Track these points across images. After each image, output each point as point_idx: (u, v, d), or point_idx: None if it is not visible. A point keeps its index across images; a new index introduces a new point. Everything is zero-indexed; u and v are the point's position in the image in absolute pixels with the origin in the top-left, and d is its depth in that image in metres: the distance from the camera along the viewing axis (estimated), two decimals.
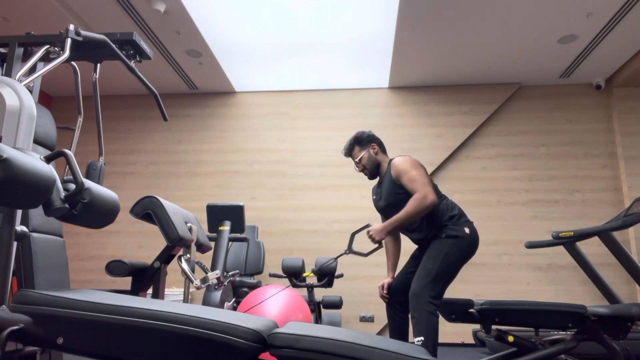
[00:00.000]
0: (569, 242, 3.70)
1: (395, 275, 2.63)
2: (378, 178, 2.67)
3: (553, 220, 4.71)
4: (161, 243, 4.97)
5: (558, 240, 3.69)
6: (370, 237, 2.34)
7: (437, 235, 2.37)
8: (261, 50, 4.44)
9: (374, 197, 2.67)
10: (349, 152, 2.66)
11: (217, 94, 5.34)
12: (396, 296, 2.52)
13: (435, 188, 2.47)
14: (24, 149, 1.23)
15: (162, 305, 1.33)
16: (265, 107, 5.26)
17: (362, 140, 2.62)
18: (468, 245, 2.36)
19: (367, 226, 2.39)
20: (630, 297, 4.47)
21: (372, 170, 2.62)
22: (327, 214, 4.90)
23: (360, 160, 2.61)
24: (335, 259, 2.45)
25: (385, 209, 2.53)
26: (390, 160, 2.55)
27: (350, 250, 2.41)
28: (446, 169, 4.94)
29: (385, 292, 2.58)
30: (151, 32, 4.05)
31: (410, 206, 2.30)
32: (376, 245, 2.37)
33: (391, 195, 2.47)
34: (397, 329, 2.51)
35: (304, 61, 4.64)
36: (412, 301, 2.23)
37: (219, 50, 4.43)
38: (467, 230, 2.37)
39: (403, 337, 2.49)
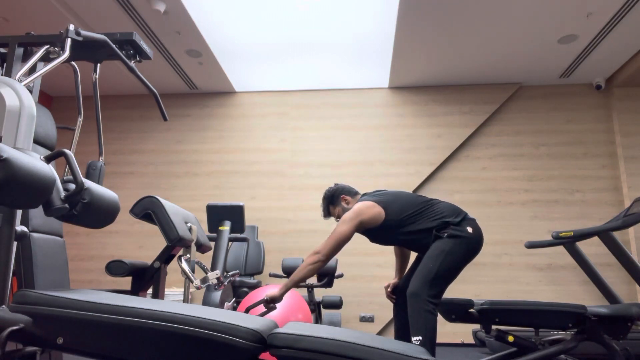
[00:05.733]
0: (569, 242, 3.70)
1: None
2: None
3: (553, 220, 4.71)
4: (161, 243, 4.97)
5: (558, 240, 3.68)
6: (269, 306, 2.39)
7: (439, 236, 2.35)
8: (261, 50, 4.45)
9: None
10: (327, 213, 2.70)
11: (217, 94, 5.34)
12: (403, 297, 2.52)
13: (413, 203, 2.45)
14: (24, 149, 1.23)
15: (162, 305, 1.33)
16: (265, 107, 5.26)
17: (333, 199, 2.65)
18: (471, 245, 2.33)
19: (263, 300, 2.40)
20: (630, 297, 4.47)
21: None
22: None
23: (338, 216, 2.65)
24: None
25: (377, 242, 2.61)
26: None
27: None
28: (446, 169, 4.94)
29: (390, 291, 2.61)
30: (151, 32, 4.05)
31: (302, 263, 2.33)
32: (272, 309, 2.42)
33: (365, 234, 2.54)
34: (403, 329, 2.51)
35: (304, 61, 4.64)
36: (410, 300, 2.23)
37: (219, 50, 4.43)
38: (469, 229, 2.34)
39: (409, 337, 2.49)
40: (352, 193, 2.66)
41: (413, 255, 2.70)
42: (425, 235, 2.37)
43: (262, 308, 2.75)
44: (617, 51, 4.31)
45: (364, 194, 2.61)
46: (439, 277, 2.24)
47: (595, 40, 4.11)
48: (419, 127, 5.02)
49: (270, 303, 2.36)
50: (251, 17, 3.90)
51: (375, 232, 2.44)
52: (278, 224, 4.93)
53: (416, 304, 2.20)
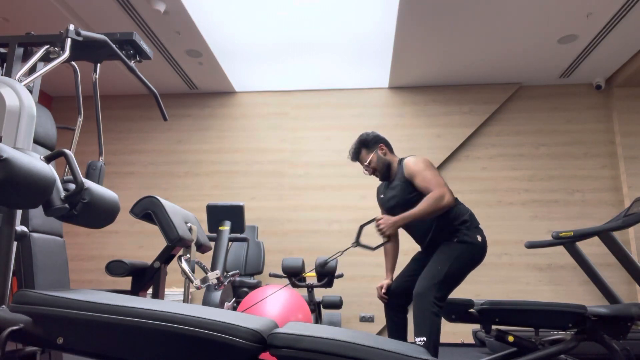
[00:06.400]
0: (569, 242, 3.70)
1: (394, 276, 2.62)
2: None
3: (553, 220, 4.71)
4: (161, 243, 4.96)
5: (558, 240, 3.68)
6: (380, 230, 2.27)
7: (449, 239, 2.35)
8: (261, 50, 4.44)
9: (382, 196, 2.62)
10: (356, 155, 2.56)
11: (217, 94, 5.34)
12: (396, 298, 2.50)
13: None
14: (24, 149, 1.23)
15: (162, 305, 1.33)
16: (265, 107, 5.26)
17: (368, 142, 2.54)
18: (478, 253, 2.35)
19: (375, 219, 2.32)
20: (630, 297, 4.47)
21: (384, 171, 2.54)
22: (327, 214, 4.90)
23: (369, 163, 2.53)
24: (342, 252, 2.40)
25: (394, 209, 2.48)
26: (401, 159, 2.52)
27: (357, 243, 2.31)
28: (446, 169, 4.94)
29: (383, 292, 2.56)
30: (151, 32, 4.05)
31: (425, 204, 2.25)
32: (385, 239, 2.33)
33: (403, 196, 2.43)
34: (396, 331, 2.50)
35: (304, 61, 4.64)
36: (416, 301, 2.22)
37: (219, 50, 4.43)
38: (479, 238, 2.36)
39: (402, 338, 2.48)
40: (391, 148, 2.60)
41: (404, 255, 2.69)
42: (442, 229, 2.37)
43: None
44: (617, 51, 4.31)
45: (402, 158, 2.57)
46: (446, 280, 2.24)
47: (595, 40, 4.11)
48: (419, 127, 5.02)
49: (382, 228, 2.27)
50: (251, 17, 3.90)
51: (409, 197, 2.41)
52: (278, 224, 4.93)
53: (422, 305, 2.19)
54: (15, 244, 1.35)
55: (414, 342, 2.13)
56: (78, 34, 1.74)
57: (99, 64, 2.01)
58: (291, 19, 3.92)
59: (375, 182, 4.91)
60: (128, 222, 5.08)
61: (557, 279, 4.59)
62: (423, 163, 2.39)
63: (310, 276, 3.61)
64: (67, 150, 1.36)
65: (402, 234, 2.66)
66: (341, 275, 3.71)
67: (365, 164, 2.55)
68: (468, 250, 2.32)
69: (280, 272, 4.64)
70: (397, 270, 2.66)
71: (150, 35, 4.10)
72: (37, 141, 1.93)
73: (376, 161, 2.53)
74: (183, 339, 1.19)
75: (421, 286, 2.23)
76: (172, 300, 2.04)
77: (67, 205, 1.36)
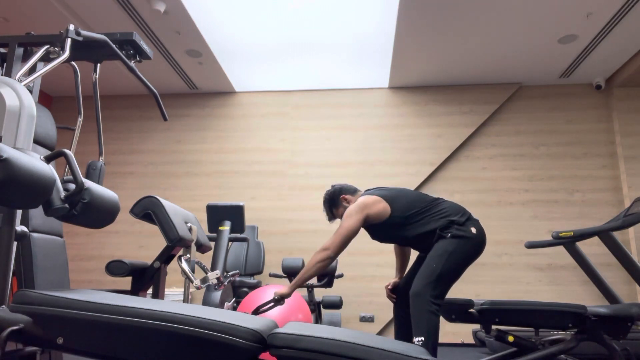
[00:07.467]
0: (569, 242, 3.70)
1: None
2: None
3: (553, 220, 4.71)
4: (161, 243, 4.97)
5: (558, 240, 3.69)
6: (274, 300, 2.36)
7: (442, 236, 2.35)
8: (261, 50, 4.45)
9: None
10: (331, 215, 2.66)
11: (217, 94, 5.34)
12: (403, 296, 2.52)
13: (419, 201, 2.44)
14: (24, 149, 1.23)
15: (162, 305, 1.33)
16: (265, 107, 5.26)
17: (334, 200, 2.61)
18: (474, 246, 2.32)
19: (273, 300, 2.37)
20: (630, 297, 4.47)
21: None
22: None
23: (342, 217, 2.61)
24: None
25: (394, 242, 2.56)
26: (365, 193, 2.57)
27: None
28: (446, 169, 4.94)
29: (390, 290, 2.60)
30: (151, 32, 4.05)
31: (310, 261, 2.32)
32: (278, 302, 2.39)
33: (390, 233, 2.48)
34: (403, 329, 2.51)
35: (304, 61, 4.64)
36: (412, 301, 2.22)
37: (219, 50, 4.43)
38: (473, 230, 2.33)
39: (409, 337, 2.48)
40: (352, 191, 2.62)
41: (413, 255, 2.70)
42: (430, 234, 2.37)
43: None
44: (617, 51, 4.31)
45: (366, 190, 2.59)
46: (442, 277, 2.23)
47: (595, 40, 4.11)
48: (419, 127, 5.02)
49: (280, 301, 2.36)
50: (251, 17, 3.90)
51: (379, 228, 2.42)
52: (278, 224, 4.93)
53: (419, 305, 2.19)
54: (15, 244, 1.35)
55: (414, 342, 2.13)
56: (78, 34, 1.74)
57: (99, 64, 2.01)
58: (291, 19, 3.92)
59: (375, 180, 4.91)
60: (128, 222, 5.08)
61: (557, 279, 4.59)
62: (353, 211, 2.37)
63: None
64: (67, 150, 1.36)
65: None
66: (341, 275, 3.71)
67: (340, 219, 2.62)
68: (462, 244, 2.30)
69: (280, 272, 4.64)
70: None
71: (150, 35, 4.10)
72: (37, 141, 1.93)
73: None
74: (183, 339, 1.19)
75: (417, 285, 2.23)
76: (172, 300, 2.04)
77: (67, 205, 1.36)
